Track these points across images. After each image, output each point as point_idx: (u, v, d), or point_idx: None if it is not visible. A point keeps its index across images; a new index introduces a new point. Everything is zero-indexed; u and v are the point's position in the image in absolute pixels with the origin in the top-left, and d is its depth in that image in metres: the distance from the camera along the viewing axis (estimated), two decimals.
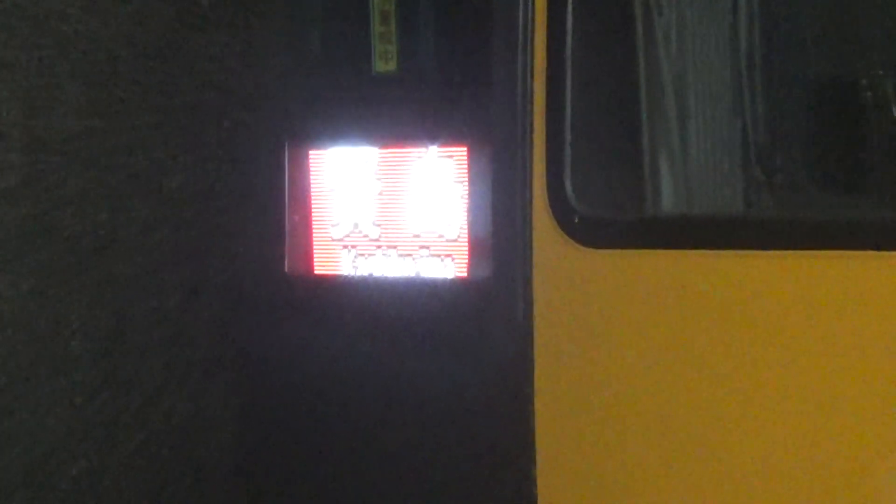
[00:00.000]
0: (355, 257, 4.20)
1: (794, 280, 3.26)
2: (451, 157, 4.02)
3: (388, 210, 4.15)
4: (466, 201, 3.96)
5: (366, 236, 4.18)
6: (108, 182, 4.35)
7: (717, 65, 3.64)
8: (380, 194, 4.16)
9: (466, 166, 3.96)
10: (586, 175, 3.58)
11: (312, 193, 4.25)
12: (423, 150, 4.07)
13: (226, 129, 4.67)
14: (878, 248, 3.15)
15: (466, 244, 3.97)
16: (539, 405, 3.53)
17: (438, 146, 4.01)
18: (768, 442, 3.23)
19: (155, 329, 4.61)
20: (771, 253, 3.28)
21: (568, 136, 3.53)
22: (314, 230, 4.24)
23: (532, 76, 3.55)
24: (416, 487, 3.90)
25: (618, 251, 3.49)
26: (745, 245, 3.34)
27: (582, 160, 3.57)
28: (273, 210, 4.29)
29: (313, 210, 4.24)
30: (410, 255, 4.10)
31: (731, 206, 3.63)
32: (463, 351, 3.82)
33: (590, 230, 3.52)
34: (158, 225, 4.57)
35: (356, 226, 4.19)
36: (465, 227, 3.96)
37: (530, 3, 3.51)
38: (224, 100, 4.63)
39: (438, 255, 4.06)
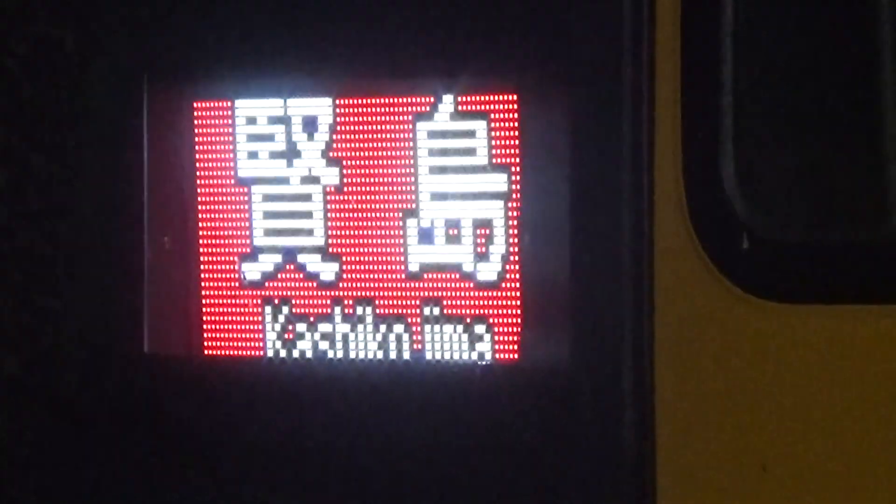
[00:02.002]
0: (288, 321, 3.37)
1: None
2: (485, 113, 3.21)
3: (356, 224, 3.31)
4: (518, 204, 3.21)
5: (311, 280, 3.34)
6: None
7: None
8: (340, 193, 3.32)
9: (516, 133, 3.18)
10: (767, 158, 2.99)
11: (201, 189, 3.42)
12: (427, 101, 3.25)
13: (27, 59, 3.61)
14: None
15: (518, 293, 3.20)
16: None
17: (458, 94, 3.21)
18: None
19: None
20: None
21: (730, 83, 2.91)
22: (204, 266, 3.40)
23: None
24: None
25: (834, 308, 2.84)
26: None
27: (758, 130, 2.98)
28: (121, 224, 3.43)
29: (202, 224, 3.42)
30: (404, 315, 3.27)
31: None
32: (515, 498, 3.16)
33: (776, 268, 2.97)
34: None
35: (290, 256, 3.36)
36: (515, 257, 3.20)
37: None
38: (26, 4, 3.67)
39: (461, 317, 3.23)
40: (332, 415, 3.26)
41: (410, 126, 3.22)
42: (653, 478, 2.93)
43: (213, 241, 3.37)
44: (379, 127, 3.26)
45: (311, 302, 3.31)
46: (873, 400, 2.88)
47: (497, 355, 3.22)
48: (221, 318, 3.38)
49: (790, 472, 2.91)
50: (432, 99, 3.20)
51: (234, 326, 3.39)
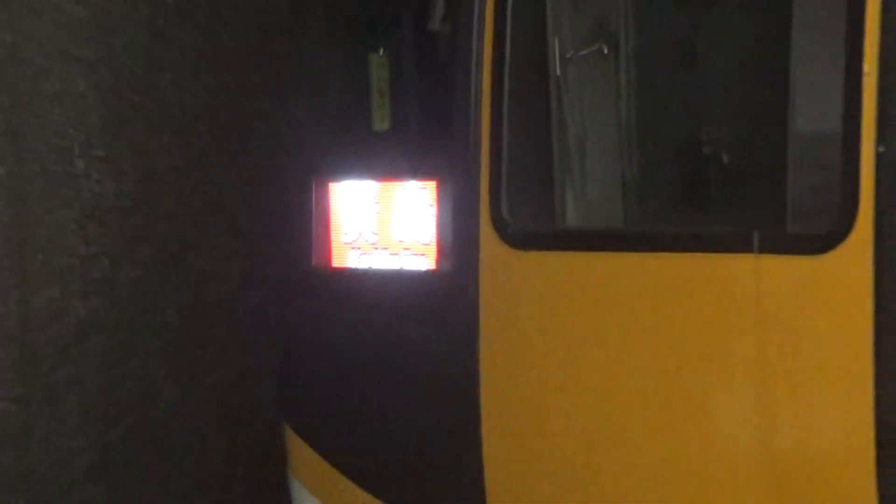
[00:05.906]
0: (360, 255, 5.04)
1: (667, 277, 3.93)
2: (425, 188, 4.80)
3: (382, 223, 4.94)
4: (436, 217, 4.75)
5: (367, 241, 4.96)
6: (189, 203, 5.78)
7: (609, 122, 4.45)
8: (377, 213, 4.96)
9: (436, 194, 4.74)
10: (516, 198, 4.37)
11: (331, 212, 5.07)
12: (407, 183, 4.88)
13: (271, 166, 6.09)
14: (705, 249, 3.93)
15: (436, 247, 4.75)
16: (483, 364, 4.34)
17: (417, 180, 4.83)
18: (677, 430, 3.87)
19: (220, 306, 5.96)
20: (647, 254, 4.00)
21: (503, 173, 4.31)
22: (332, 237, 5.05)
23: (479, 132, 4.32)
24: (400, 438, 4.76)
25: (539, 252, 4.33)
26: (623, 248, 4.09)
27: (513, 189, 4.37)
28: (304, 224, 5.10)
29: (331, 223, 5.06)
30: (397, 254, 4.88)
31: (616, 219, 4.46)
32: (433, 321, 4.56)
33: (518, 237, 4.33)
34: (222, 234, 5.85)
35: (360, 234, 4.99)
36: (435, 235, 4.75)
37: (478, 86, 4.29)
38: (268, 146, 6.07)
39: (417, 255, 4.85)
40: (373, 287, 4.78)
41: (400, 191, 4.80)
42: (478, 316, 4.22)
43: (335, 228, 4.98)
44: (391, 191, 4.81)
45: (367, 249, 4.90)
46: (591, 318, 3.95)
47: (429, 268, 4.74)
48: (337, 253, 5.02)
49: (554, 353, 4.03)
50: (408, 182, 4.79)
51: (342, 256, 5.02)
